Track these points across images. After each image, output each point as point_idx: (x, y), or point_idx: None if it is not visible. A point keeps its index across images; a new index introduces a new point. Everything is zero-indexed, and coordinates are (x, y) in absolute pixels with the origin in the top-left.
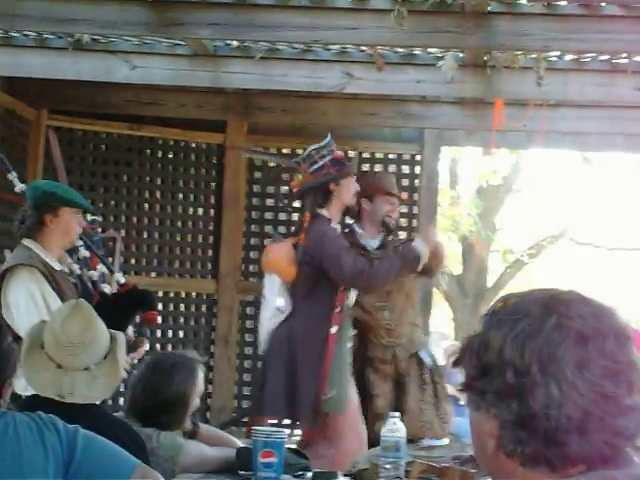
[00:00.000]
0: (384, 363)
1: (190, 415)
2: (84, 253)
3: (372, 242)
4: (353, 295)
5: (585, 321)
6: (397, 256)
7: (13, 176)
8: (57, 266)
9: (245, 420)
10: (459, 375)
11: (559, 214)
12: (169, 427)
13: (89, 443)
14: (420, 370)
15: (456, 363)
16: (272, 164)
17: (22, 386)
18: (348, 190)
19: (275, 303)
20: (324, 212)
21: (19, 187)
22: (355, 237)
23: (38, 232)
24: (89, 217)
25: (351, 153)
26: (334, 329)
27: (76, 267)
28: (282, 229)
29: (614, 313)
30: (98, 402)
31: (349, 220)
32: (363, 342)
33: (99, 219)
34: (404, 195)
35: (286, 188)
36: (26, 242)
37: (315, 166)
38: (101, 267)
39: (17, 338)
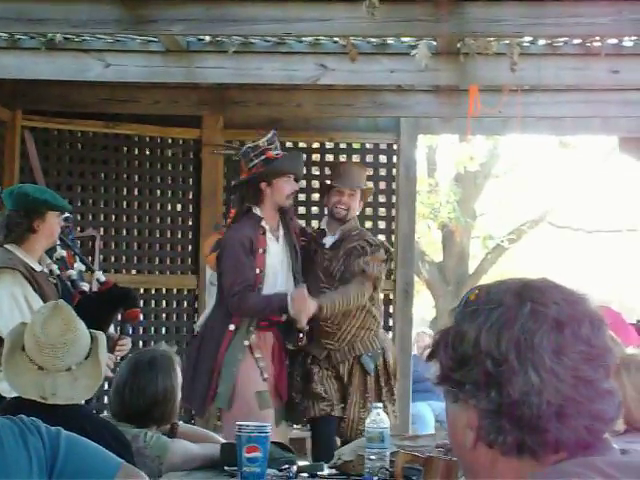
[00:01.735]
0: (323, 362)
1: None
2: (61, 252)
3: (329, 239)
4: (268, 291)
5: (560, 307)
6: (268, 299)
7: None
8: (37, 267)
9: None
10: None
11: (538, 198)
12: (164, 421)
13: (72, 444)
14: (363, 377)
15: (430, 356)
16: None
17: (6, 388)
18: (280, 191)
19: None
20: (257, 210)
21: None
22: (321, 235)
23: (25, 238)
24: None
25: (328, 144)
26: (232, 327)
27: (55, 267)
28: None
29: (586, 298)
30: (81, 402)
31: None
32: (311, 338)
33: (72, 217)
34: (381, 185)
35: None
36: (7, 246)
37: (251, 164)
38: (78, 265)
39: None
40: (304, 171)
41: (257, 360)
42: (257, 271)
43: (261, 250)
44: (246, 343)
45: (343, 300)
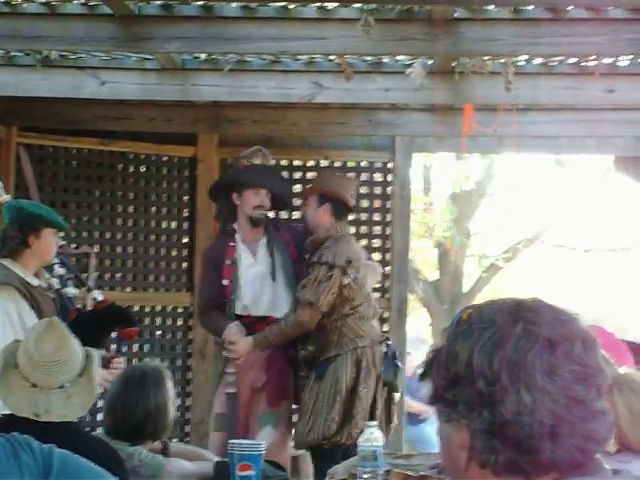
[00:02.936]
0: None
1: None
2: (59, 271)
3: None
4: (241, 302)
5: (552, 327)
6: (215, 324)
7: None
8: (35, 282)
9: None
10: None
11: (533, 217)
12: (157, 437)
13: (65, 462)
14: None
15: (423, 376)
16: None
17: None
18: (247, 202)
19: None
20: (235, 226)
21: (4, 198)
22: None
23: (20, 252)
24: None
25: (323, 162)
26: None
27: (55, 282)
28: None
29: (578, 318)
30: (74, 420)
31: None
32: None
33: (66, 243)
34: (376, 203)
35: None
36: (2, 261)
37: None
38: (70, 289)
39: None
40: (287, 189)
41: (227, 375)
42: (225, 282)
43: (228, 261)
44: (225, 353)
45: (278, 337)
